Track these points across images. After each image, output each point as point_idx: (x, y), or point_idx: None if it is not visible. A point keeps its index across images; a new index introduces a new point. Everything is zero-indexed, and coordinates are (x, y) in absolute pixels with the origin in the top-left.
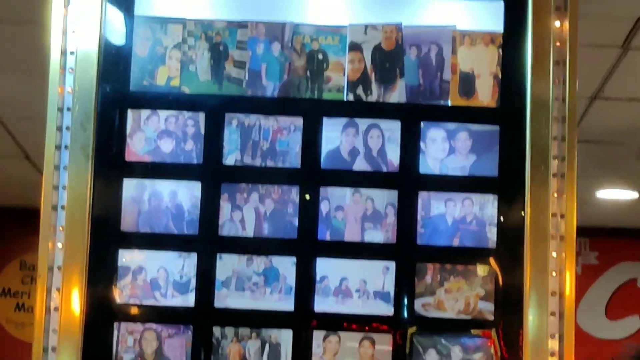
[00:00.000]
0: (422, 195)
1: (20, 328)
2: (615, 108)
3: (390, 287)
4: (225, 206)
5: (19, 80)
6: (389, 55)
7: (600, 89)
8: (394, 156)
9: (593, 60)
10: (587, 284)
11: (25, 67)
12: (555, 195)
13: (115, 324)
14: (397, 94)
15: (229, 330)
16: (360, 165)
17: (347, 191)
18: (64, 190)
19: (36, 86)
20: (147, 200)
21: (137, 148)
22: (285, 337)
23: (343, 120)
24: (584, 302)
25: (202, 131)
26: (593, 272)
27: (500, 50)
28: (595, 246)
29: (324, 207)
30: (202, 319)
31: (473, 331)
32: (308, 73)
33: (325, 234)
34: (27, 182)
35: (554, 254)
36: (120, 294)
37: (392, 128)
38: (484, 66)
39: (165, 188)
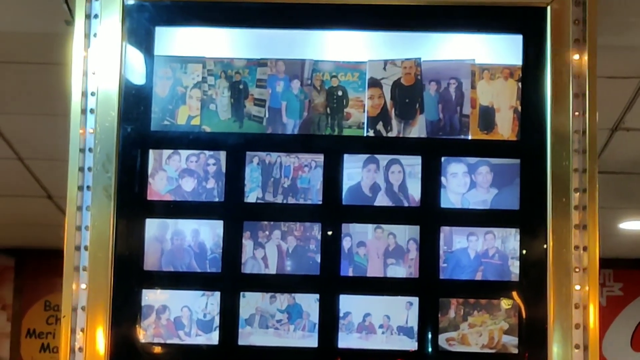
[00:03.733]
0: (444, 230)
1: None
2: (636, 138)
3: (413, 322)
4: (247, 244)
5: (40, 121)
6: (408, 91)
7: (621, 120)
8: (415, 191)
9: (613, 92)
10: (612, 315)
11: (46, 108)
12: (577, 227)
13: None
14: (418, 129)
15: None
16: (382, 200)
17: (369, 227)
18: (86, 230)
19: (58, 127)
20: (170, 240)
21: (158, 187)
22: None
23: (364, 156)
24: (609, 334)
25: (224, 169)
26: (618, 303)
27: (520, 84)
28: (620, 277)
29: (346, 243)
30: (226, 357)
31: None
32: (328, 110)
33: (347, 270)
34: (50, 222)
35: (577, 287)
36: (144, 334)
37: (413, 163)
38: (503, 100)
39: (187, 227)
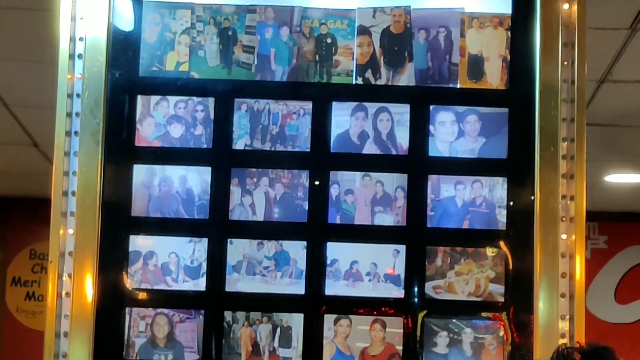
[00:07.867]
0: (432, 178)
1: (31, 316)
2: (623, 91)
3: (400, 270)
4: (235, 191)
5: (26, 67)
6: (397, 39)
7: (608, 72)
8: (403, 139)
9: (600, 43)
10: (596, 268)
11: (33, 55)
12: (565, 177)
13: (127, 309)
14: (406, 77)
15: (240, 315)
16: (370, 148)
17: (357, 175)
18: (74, 176)
19: (44, 73)
20: (158, 186)
21: (146, 133)
22: (296, 321)
23: (352, 104)
24: (593, 287)
25: (212, 116)
26: (602, 256)
27: (509, 33)
28: (604, 230)
29: (333, 190)
30: (214, 303)
31: (484, 313)
32: (317, 57)
33: (335, 218)
34: (35, 170)
35: (564, 236)
36: (132, 279)
37: (402, 111)
38: (492, 49)
39: (175, 173)
